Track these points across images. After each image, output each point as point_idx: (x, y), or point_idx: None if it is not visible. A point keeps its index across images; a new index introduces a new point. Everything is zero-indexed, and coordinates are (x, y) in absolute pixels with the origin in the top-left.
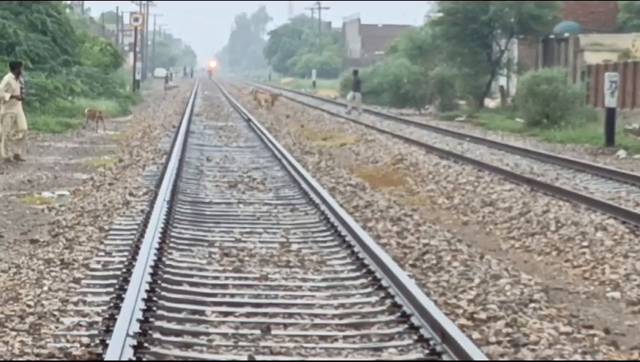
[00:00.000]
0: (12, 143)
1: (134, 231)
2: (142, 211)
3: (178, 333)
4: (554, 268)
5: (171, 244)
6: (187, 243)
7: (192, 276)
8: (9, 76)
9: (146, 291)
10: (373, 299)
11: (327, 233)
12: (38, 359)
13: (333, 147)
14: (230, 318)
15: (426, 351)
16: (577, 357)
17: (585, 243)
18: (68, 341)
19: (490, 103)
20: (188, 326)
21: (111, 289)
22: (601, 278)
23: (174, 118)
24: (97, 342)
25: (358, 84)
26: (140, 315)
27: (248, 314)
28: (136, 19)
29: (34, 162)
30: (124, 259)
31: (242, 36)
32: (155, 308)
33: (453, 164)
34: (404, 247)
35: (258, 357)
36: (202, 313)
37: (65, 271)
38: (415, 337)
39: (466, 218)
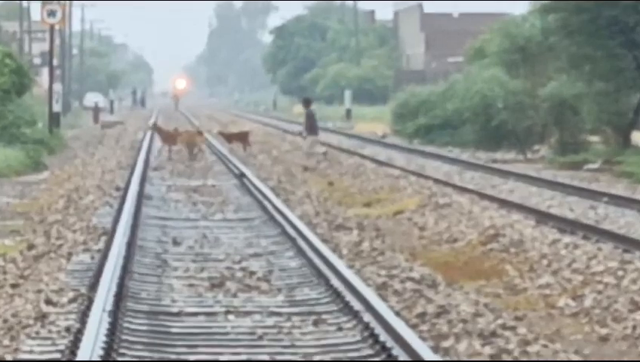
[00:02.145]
0: None
1: None
2: (67, 330)
3: None
4: None
5: None
6: None
7: None
8: None
9: None
10: None
11: None
12: None
13: (382, 217)
14: None
15: None
16: None
17: None
18: None
19: None
20: None
21: None
22: None
23: (118, 175)
24: None
25: (311, 120)
26: None
27: None
28: (51, 14)
29: None
30: None
31: (228, 37)
32: None
33: (582, 241)
34: None
35: None
36: None
37: None
38: None
39: (605, 330)
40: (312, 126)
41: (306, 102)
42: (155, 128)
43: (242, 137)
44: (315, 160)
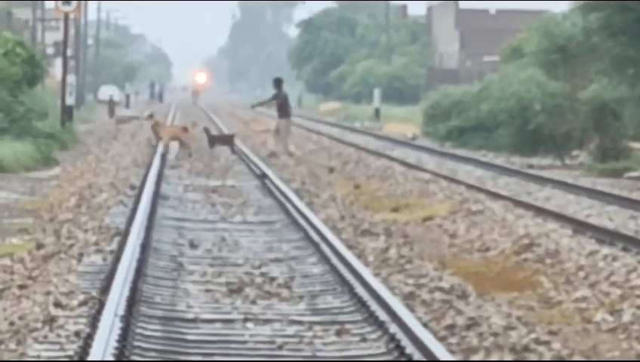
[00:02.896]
0: None
1: None
2: (76, 335)
3: None
4: None
5: None
6: None
7: None
8: None
9: None
10: None
11: None
12: None
13: (410, 223)
14: None
15: None
16: None
17: None
18: None
19: None
20: None
21: None
22: None
23: (133, 173)
24: None
25: (284, 103)
26: None
27: None
28: (66, 2)
29: None
30: None
31: (251, 30)
32: None
33: (622, 253)
34: None
35: None
36: None
37: None
38: None
39: None
40: (284, 109)
41: (277, 83)
42: (151, 119)
43: (227, 140)
44: (282, 145)
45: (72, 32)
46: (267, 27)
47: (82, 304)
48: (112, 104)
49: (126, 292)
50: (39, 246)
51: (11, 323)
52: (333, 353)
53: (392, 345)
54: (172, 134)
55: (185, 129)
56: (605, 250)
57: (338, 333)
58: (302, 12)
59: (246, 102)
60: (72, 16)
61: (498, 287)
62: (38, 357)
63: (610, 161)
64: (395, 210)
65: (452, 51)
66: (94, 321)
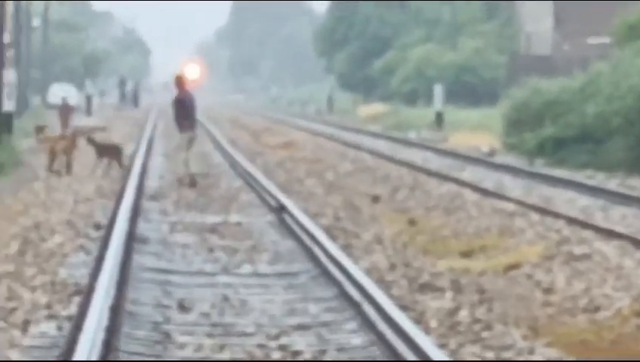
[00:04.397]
0: None
1: None
2: None
3: None
4: None
5: None
6: None
7: None
8: None
9: None
10: None
11: None
12: None
13: (488, 273)
14: None
15: None
16: None
17: None
18: None
19: None
20: None
21: None
22: None
23: (98, 207)
24: None
25: (185, 108)
26: None
27: None
28: None
29: None
30: None
31: (261, 5)
32: None
33: None
34: None
35: None
36: None
37: None
38: None
39: None
40: (185, 117)
41: (180, 82)
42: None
43: (112, 151)
44: (190, 176)
45: (9, 10)
46: (283, 1)
47: None
48: (66, 110)
49: None
50: None
51: None
52: None
53: None
54: (64, 147)
55: (72, 140)
56: None
57: None
58: None
59: (255, 104)
60: None
61: None
62: None
63: None
64: (467, 254)
65: (544, 31)
66: None
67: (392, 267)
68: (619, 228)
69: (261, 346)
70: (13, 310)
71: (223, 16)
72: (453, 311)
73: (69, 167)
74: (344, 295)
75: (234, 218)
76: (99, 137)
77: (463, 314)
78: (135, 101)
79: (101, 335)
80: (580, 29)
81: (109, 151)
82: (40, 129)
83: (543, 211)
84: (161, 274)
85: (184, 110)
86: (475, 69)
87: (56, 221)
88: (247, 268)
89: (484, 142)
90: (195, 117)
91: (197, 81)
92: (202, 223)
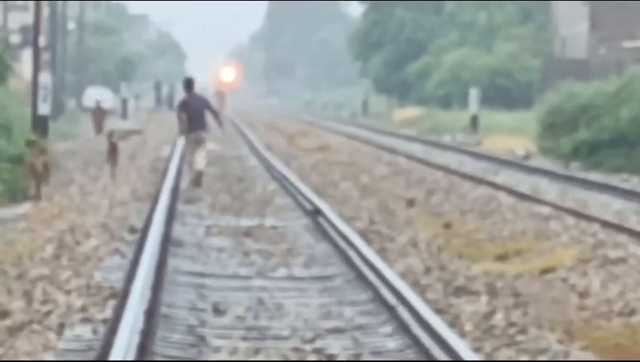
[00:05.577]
0: None
1: None
2: None
3: None
4: None
5: None
6: None
7: None
8: None
9: None
10: None
11: None
12: None
13: (524, 277)
14: None
15: None
16: None
17: None
18: None
19: None
20: None
21: None
22: None
23: (133, 210)
24: None
25: (191, 108)
26: None
27: None
28: None
29: None
30: None
31: (296, 8)
32: None
33: None
34: None
35: None
36: None
37: None
38: None
39: None
40: (190, 118)
41: (188, 85)
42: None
43: (112, 151)
44: (195, 173)
45: (45, 12)
46: (318, 4)
47: None
48: (100, 113)
49: None
50: (3, 314)
51: None
52: None
53: None
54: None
55: (41, 152)
56: None
57: None
58: None
59: (290, 108)
60: None
61: None
62: None
63: None
64: (502, 258)
65: (579, 34)
66: None
67: (427, 270)
68: None
69: (296, 350)
70: (48, 313)
71: (258, 20)
72: (488, 315)
73: (39, 188)
74: (379, 298)
75: (269, 221)
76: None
77: (498, 318)
78: (171, 104)
79: (136, 339)
80: (616, 32)
81: (110, 151)
82: (30, 143)
83: (578, 215)
84: (196, 277)
85: (188, 111)
86: (510, 72)
87: (91, 224)
88: (282, 272)
89: (519, 145)
90: (204, 119)
91: (233, 84)
92: (237, 226)
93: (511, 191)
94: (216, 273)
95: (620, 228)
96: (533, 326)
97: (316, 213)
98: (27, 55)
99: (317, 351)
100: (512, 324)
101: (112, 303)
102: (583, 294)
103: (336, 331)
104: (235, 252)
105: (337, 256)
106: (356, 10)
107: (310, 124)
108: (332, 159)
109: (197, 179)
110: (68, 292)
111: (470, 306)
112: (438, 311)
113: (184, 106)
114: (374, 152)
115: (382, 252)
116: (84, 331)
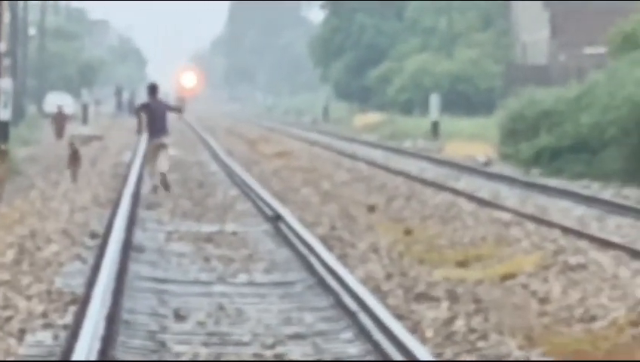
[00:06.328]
0: None
1: None
2: None
3: None
4: None
5: None
6: None
7: None
8: None
9: None
10: None
11: None
12: None
13: (484, 283)
14: None
15: None
16: None
17: None
18: None
19: None
20: None
21: None
22: None
23: (94, 215)
24: None
25: (153, 113)
26: None
27: None
28: None
29: None
30: None
31: (258, 14)
32: None
33: None
34: None
35: None
36: None
37: None
38: None
39: None
40: (151, 123)
41: (152, 90)
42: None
43: (73, 156)
44: (159, 176)
45: (5, 18)
46: (279, 10)
47: None
48: (61, 118)
49: None
50: None
51: None
52: None
53: None
54: None
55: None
56: None
57: None
58: None
59: (251, 113)
60: None
61: None
62: None
63: None
64: (463, 264)
65: (540, 40)
66: None
67: (388, 276)
68: (614, 238)
69: (257, 356)
70: (9, 319)
71: (219, 25)
72: (449, 321)
73: None
74: (340, 304)
75: (230, 227)
76: (95, 146)
77: (459, 324)
78: (131, 110)
79: (97, 345)
80: (576, 39)
81: (72, 159)
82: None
83: (539, 221)
84: (157, 283)
85: (150, 115)
86: (471, 78)
87: (52, 230)
88: (242, 278)
89: (480, 151)
90: (165, 123)
91: (194, 90)
92: (198, 232)
93: (472, 197)
94: (177, 279)
95: (580, 234)
96: (494, 332)
97: (277, 218)
98: None
99: (277, 356)
100: (472, 330)
101: (72, 309)
102: (544, 300)
103: (297, 337)
104: (195, 257)
105: (298, 261)
106: (317, 15)
107: (271, 129)
108: (293, 165)
109: (164, 182)
110: (29, 298)
111: (431, 312)
112: (399, 317)
113: (146, 108)
114: (335, 158)
115: (343, 258)
116: (45, 337)
